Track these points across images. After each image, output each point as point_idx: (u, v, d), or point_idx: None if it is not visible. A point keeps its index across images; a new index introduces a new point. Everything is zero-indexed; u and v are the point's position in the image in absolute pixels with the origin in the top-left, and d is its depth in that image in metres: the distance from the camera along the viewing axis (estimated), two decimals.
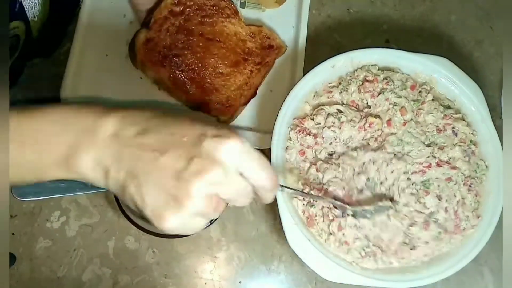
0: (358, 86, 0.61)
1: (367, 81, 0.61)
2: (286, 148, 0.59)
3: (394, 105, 0.60)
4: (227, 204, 0.41)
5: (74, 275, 0.61)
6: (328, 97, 0.62)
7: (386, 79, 0.61)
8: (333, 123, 0.59)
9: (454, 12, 0.77)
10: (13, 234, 0.61)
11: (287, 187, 0.52)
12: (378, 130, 0.59)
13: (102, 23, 0.70)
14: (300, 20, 0.71)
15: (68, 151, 0.37)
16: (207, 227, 0.57)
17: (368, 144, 0.59)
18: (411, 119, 0.60)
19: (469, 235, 0.58)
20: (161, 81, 0.65)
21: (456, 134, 0.61)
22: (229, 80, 0.66)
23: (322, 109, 0.60)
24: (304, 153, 0.59)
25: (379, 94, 0.61)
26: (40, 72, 0.68)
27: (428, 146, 0.59)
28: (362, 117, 0.60)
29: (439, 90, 0.63)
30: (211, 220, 0.57)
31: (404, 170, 0.58)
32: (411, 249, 0.56)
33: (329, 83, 0.63)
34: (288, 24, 0.72)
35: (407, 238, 0.56)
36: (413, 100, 0.61)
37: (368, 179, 0.58)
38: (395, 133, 0.59)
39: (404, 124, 0.60)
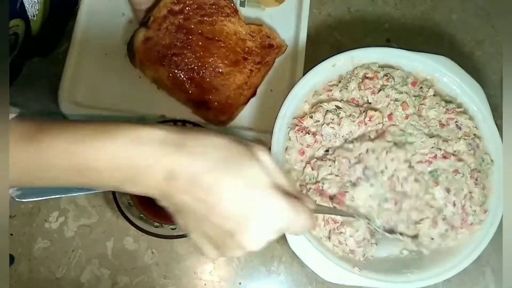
0: (358, 84, 0.61)
1: (367, 78, 0.61)
2: (286, 148, 0.59)
3: (395, 101, 0.60)
4: None
5: (72, 275, 0.60)
6: (328, 96, 0.62)
7: (387, 75, 0.61)
8: (332, 119, 0.59)
9: (455, 11, 0.77)
10: (11, 234, 0.61)
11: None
12: (379, 123, 0.59)
13: (100, 22, 0.69)
14: (300, 19, 0.71)
15: (117, 185, 0.38)
16: None
17: (369, 136, 0.59)
18: (414, 113, 0.60)
19: (473, 233, 0.58)
20: (160, 80, 0.65)
21: (460, 128, 0.60)
22: (228, 80, 0.66)
23: (320, 106, 0.60)
24: (303, 152, 0.58)
25: (379, 90, 0.60)
26: (38, 71, 0.67)
27: (431, 137, 0.58)
28: (362, 111, 0.59)
29: (440, 89, 0.63)
30: None
31: (405, 158, 0.57)
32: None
33: (329, 82, 0.62)
34: (288, 23, 0.72)
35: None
36: (415, 96, 0.61)
37: (366, 167, 0.57)
38: (396, 125, 0.59)
39: (406, 117, 0.59)
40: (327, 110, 0.59)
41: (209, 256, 0.40)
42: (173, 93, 0.65)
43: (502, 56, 0.74)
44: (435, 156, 0.57)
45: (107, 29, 0.69)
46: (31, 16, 0.58)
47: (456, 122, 0.60)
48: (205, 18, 0.66)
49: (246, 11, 0.72)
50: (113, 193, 0.55)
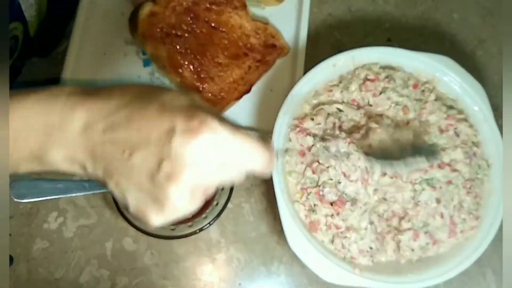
0: (359, 85, 0.61)
1: (368, 80, 0.61)
2: (286, 149, 0.58)
3: (396, 104, 0.60)
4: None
5: (71, 276, 0.60)
6: (328, 96, 0.61)
7: (388, 77, 0.61)
8: (333, 123, 0.58)
9: (456, 10, 0.77)
10: (10, 235, 0.61)
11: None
12: None
13: (99, 22, 0.69)
14: (300, 18, 0.70)
15: (38, 149, 0.35)
16: (206, 227, 0.56)
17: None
18: (415, 118, 0.60)
19: (471, 236, 0.58)
20: (158, 59, 0.64)
21: (458, 135, 0.60)
22: (225, 72, 0.65)
23: (321, 108, 0.60)
24: (304, 154, 0.58)
25: (380, 93, 0.60)
26: (38, 72, 0.67)
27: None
28: (363, 115, 0.59)
29: (441, 89, 0.63)
30: (210, 221, 0.56)
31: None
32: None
33: (330, 82, 0.62)
34: (289, 22, 0.71)
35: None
36: (416, 99, 0.61)
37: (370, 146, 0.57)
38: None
39: (407, 123, 0.59)
40: (328, 113, 0.59)
41: (157, 216, 0.35)
42: (169, 74, 0.65)
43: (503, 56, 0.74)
44: (432, 166, 0.57)
45: (106, 28, 0.69)
46: (29, 18, 0.58)
47: (455, 129, 0.60)
48: (213, 7, 0.66)
49: None
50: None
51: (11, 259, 0.60)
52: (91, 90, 0.36)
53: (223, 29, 0.66)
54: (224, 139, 0.34)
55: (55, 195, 0.60)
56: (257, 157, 0.36)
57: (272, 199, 0.56)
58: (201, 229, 0.56)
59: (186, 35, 0.65)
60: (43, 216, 0.62)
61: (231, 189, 0.57)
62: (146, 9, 0.64)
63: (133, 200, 0.35)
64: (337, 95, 0.61)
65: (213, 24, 0.66)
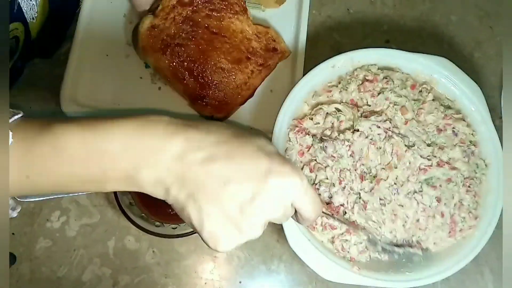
0: (358, 86, 0.61)
1: (367, 80, 0.61)
2: (286, 149, 0.59)
3: (394, 104, 0.60)
4: None
5: (74, 275, 0.61)
6: (327, 97, 0.62)
7: (386, 78, 0.62)
8: (332, 123, 0.59)
9: (454, 12, 0.77)
10: (13, 234, 0.61)
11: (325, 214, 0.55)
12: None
13: (101, 23, 0.70)
14: (300, 20, 0.71)
15: (132, 169, 0.38)
16: None
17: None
18: (413, 118, 0.60)
19: (469, 235, 0.58)
20: (160, 70, 0.64)
21: (456, 135, 0.61)
22: (228, 77, 0.65)
23: (320, 108, 0.60)
24: (303, 153, 0.59)
25: (379, 93, 0.61)
26: (40, 72, 0.68)
27: (429, 145, 0.59)
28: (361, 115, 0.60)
29: (439, 89, 0.63)
30: None
31: (406, 145, 0.58)
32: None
33: (329, 83, 0.63)
34: (288, 24, 0.72)
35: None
36: (414, 100, 0.61)
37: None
38: (398, 132, 0.60)
39: (406, 123, 0.60)
40: (327, 113, 0.60)
41: (229, 241, 0.40)
42: (172, 84, 0.65)
43: (502, 57, 0.75)
44: (430, 165, 0.58)
45: (108, 30, 0.70)
46: (30, 19, 0.58)
47: (453, 128, 0.61)
48: (213, 13, 0.66)
49: None
50: (115, 192, 0.55)
51: (14, 258, 0.61)
52: (189, 122, 0.40)
53: (225, 34, 0.66)
54: (306, 188, 0.41)
55: (57, 194, 0.61)
56: (314, 212, 0.43)
57: None
58: None
59: (187, 43, 0.64)
60: (46, 215, 0.62)
61: None
62: (146, 22, 0.64)
63: (212, 225, 0.39)
64: (336, 95, 0.62)
65: (214, 30, 0.66)
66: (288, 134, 0.59)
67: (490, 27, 0.77)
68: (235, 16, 0.67)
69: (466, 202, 0.59)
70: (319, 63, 0.61)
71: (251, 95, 0.67)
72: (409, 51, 0.63)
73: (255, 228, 0.39)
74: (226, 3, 0.66)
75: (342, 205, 0.57)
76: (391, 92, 0.60)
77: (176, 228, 0.58)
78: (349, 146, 0.58)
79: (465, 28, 0.77)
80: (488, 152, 0.61)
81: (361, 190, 0.57)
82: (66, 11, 0.69)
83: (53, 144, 0.37)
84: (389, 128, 0.59)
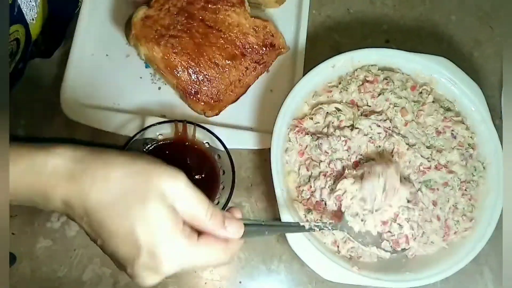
0: (358, 86, 0.62)
1: (367, 81, 0.61)
2: (286, 149, 0.59)
3: (394, 106, 0.60)
4: None
5: (74, 274, 0.61)
6: (327, 97, 0.62)
7: (386, 79, 0.62)
8: (332, 122, 0.59)
9: (454, 12, 0.77)
10: (13, 233, 0.61)
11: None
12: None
13: (101, 23, 0.70)
14: (300, 20, 0.71)
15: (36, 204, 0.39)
16: None
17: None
18: (412, 120, 0.60)
19: (468, 235, 0.58)
20: (153, 60, 0.64)
21: (455, 137, 0.61)
22: (223, 74, 0.65)
23: (320, 108, 0.60)
24: (303, 153, 0.59)
25: (379, 94, 0.61)
26: (40, 72, 0.68)
27: (428, 147, 0.59)
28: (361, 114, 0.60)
29: (439, 90, 0.63)
30: None
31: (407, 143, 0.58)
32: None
33: (329, 83, 0.63)
34: (288, 24, 0.72)
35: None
36: (414, 101, 0.62)
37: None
38: (398, 133, 0.60)
39: (406, 124, 0.60)
40: (327, 112, 0.60)
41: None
42: (165, 77, 0.65)
43: (502, 56, 0.75)
44: (429, 168, 0.58)
45: (108, 30, 0.70)
46: (30, 19, 0.58)
47: (452, 131, 0.61)
48: (209, 5, 0.65)
49: None
50: None
51: (14, 258, 0.61)
52: (80, 167, 0.38)
53: (220, 28, 0.65)
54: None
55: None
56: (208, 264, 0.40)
57: (272, 198, 0.57)
58: None
59: (181, 35, 0.63)
60: (46, 215, 0.62)
61: (232, 188, 0.58)
62: (140, 12, 0.63)
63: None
64: (336, 95, 0.62)
65: (209, 24, 0.64)
66: (288, 134, 0.59)
67: (489, 26, 0.77)
68: (232, 9, 0.65)
69: (461, 205, 0.59)
70: (319, 63, 0.61)
71: (244, 93, 0.66)
72: (409, 51, 0.63)
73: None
74: None
75: (323, 200, 0.56)
76: (391, 93, 0.61)
77: None
78: (345, 142, 0.58)
79: (464, 28, 0.77)
80: (488, 152, 0.61)
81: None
82: (65, 11, 0.69)
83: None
84: (389, 127, 0.59)
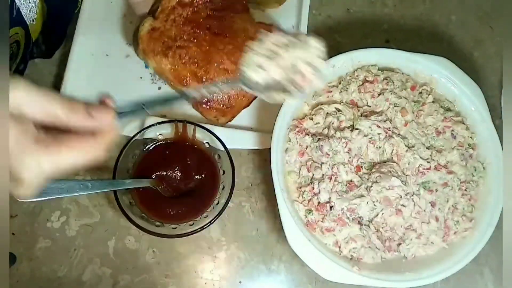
0: (358, 86, 0.62)
1: (367, 81, 0.61)
2: (286, 149, 0.59)
3: (394, 106, 0.60)
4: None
5: (74, 275, 0.61)
6: (327, 97, 0.62)
7: (386, 79, 0.62)
8: (332, 123, 0.59)
9: (454, 12, 0.77)
10: (13, 234, 0.62)
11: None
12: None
13: (101, 23, 0.70)
14: (300, 20, 0.71)
15: None
16: (207, 226, 0.57)
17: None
18: (412, 120, 0.60)
19: (468, 235, 0.58)
20: (162, 73, 0.64)
21: (455, 137, 0.61)
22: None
23: (320, 108, 0.60)
24: (303, 154, 0.59)
25: (379, 94, 0.61)
26: (41, 73, 0.68)
27: (428, 148, 0.59)
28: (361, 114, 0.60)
29: (439, 90, 0.64)
30: (211, 219, 0.57)
31: (406, 145, 0.58)
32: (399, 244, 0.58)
33: (329, 83, 0.63)
34: (288, 24, 0.72)
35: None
36: (414, 101, 0.62)
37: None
38: (398, 133, 0.60)
39: (406, 124, 0.60)
40: (327, 113, 0.60)
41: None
42: (174, 87, 0.65)
43: (502, 56, 0.75)
44: (429, 168, 0.58)
45: (108, 30, 0.70)
46: (30, 21, 0.58)
47: (452, 131, 0.61)
48: (214, 13, 0.65)
49: None
50: (115, 192, 0.56)
51: (14, 258, 0.61)
52: None
53: (227, 35, 0.64)
54: None
55: (58, 195, 0.61)
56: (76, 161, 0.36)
57: (272, 198, 0.57)
58: (202, 228, 0.57)
59: (188, 45, 0.63)
60: (46, 215, 0.63)
61: (232, 188, 0.58)
62: (146, 25, 0.63)
63: None
64: (336, 95, 0.62)
65: (215, 31, 0.64)
66: (288, 135, 0.59)
67: (489, 26, 0.77)
68: (238, 15, 0.65)
69: (461, 205, 0.59)
70: None
71: (256, 97, 0.66)
72: (409, 51, 0.63)
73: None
74: (227, 2, 0.66)
75: (328, 201, 0.57)
76: (391, 93, 0.61)
77: (176, 228, 0.59)
78: (346, 143, 0.58)
79: (464, 28, 0.77)
80: (488, 152, 0.61)
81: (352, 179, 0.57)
82: (65, 11, 0.69)
83: None
84: (389, 128, 0.59)
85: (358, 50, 0.62)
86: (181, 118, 0.62)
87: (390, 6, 0.77)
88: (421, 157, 0.58)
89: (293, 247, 0.55)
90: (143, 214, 0.59)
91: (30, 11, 0.58)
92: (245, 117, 0.67)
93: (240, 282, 0.62)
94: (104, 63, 0.68)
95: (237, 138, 0.64)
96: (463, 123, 0.62)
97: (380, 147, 0.58)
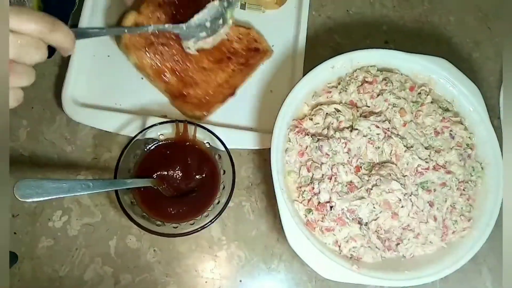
0: (357, 87, 0.62)
1: (366, 82, 0.62)
2: (286, 149, 0.59)
3: (393, 106, 0.61)
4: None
5: (76, 274, 0.61)
6: (327, 97, 0.63)
7: (385, 80, 0.62)
8: (331, 123, 0.60)
9: (453, 13, 0.78)
10: (15, 233, 0.62)
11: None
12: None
13: (102, 24, 0.70)
14: (300, 21, 0.72)
15: None
16: (207, 225, 0.57)
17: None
18: (411, 120, 0.61)
19: (466, 235, 0.59)
20: (142, 67, 0.66)
21: (453, 137, 0.61)
22: (210, 76, 0.67)
23: (320, 109, 0.61)
24: (303, 154, 0.59)
25: (378, 95, 0.61)
26: (42, 72, 0.68)
27: (426, 148, 0.60)
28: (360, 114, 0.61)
29: (438, 91, 0.64)
30: (212, 219, 0.57)
31: (405, 145, 0.59)
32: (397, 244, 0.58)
33: (329, 84, 0.63)
34: (288, 25, 0.73)
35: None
36: (412, 102, 0.62)
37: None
38: (397, 134, 0.60)
39: (404, 125, 0.60)
40: (326, 113, 0.60)
41: None
42: (154, 82, 0.66)
43: (501, 57, 0.75)
44: (427, 168, 0.59)
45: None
46: None
47: (451, 131, 0.61)
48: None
49: (247, 14, 0.73)
50: (116, 192, 0.56)
51: (16, 257, 0.61)
52: None
53: None
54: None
55: (59, 194, 0.61)
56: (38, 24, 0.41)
57: (272, 198, 0.57)
58: (202, 227, 0.57)
59: (170, 42, 0.65)
60: (48, 214, 0.63)
61: (232, 188, 0.58)
62: (130, 18, 0.64)
63: None
64: (335, 96, 0.62)
65: None
66: (288, 135, 0.60)
67: (488, 27, 0.78)
68: None
69: (459, 205, 0.59)
70: (319, 64, 0.62)
71: (232, 94, 0.67)
72: (408, 52, 0.64)
73: None
74: (210, 1, 0.66)
75: (328, 201, 0.57)
76: (390, 94, 0.61)
77: (177, 227, 0.59)
78: (345, 144, 0.58)
79: (463, 29, 0.77)
80: (487, 152, 0.61)
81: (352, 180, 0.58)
82: (62, 11, 0.69)
83: None
84: (388, 128, 0.59)
85: (357, 51, 0.63)
86: (182, 119, 0.62)
87: (389, 7, 0.77)
88: (419, 157, 0.59)
89: (293, 246, 0.55)
90: (144, 214, 0.59)
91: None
92: (245, 117, 0.68)
93: (240, 281, 0.63)
94: (106, 64, 0.69)
95: (237, 138, 0.65)
96: (462, 124, 0.62)
97: (379, 147, 0.59)
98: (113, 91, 0.67)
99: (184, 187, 0.61)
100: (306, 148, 0.59)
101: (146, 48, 0.65)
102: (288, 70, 0.70)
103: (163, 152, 0.62)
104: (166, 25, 0.62)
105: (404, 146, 0.59)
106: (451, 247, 0.59)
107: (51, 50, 0.68)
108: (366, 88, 0.61)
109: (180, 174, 0.61)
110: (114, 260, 0.62)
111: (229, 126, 0.66)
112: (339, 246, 0.57)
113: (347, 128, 0.59)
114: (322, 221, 0.57)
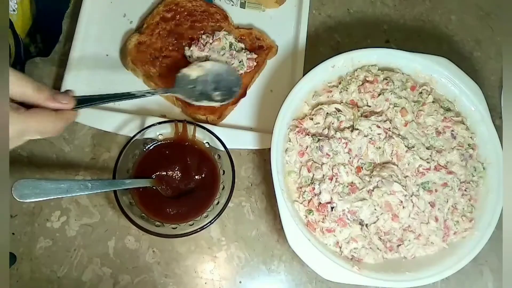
0: (358, 87, 0.62)
1: (367, 81, 0.61)
2: (286, 149, 0.59)
3: (394, 106, 0.60)
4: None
5: (74, 275, 0.61)
6: (328, 97, 0.62)
7: (386, 79, 0.62)
8: (332, 123, 0.59)
9: (454, 12, 0.78)
10: (13, 234, 0.62)
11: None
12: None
13: (102, 23, 0.70)
14: (300, 20, 0.71)
15: None
16: (207, 226, 0.57)
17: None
18: (412, 120, 0.60)
19: (468, 235, 0.58)
20: (151, 80, 0.66)
21: (454, 137, 0.61)
22: None
23: (321, 108, 0.60)
24: (303, 154, 0.59)
25: (379, 94, 0.61)
26: (40, 72, 0.68)
27: (428, 148, 0.59)
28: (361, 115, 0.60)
29: (439, 90, 0.64)
30: (211, 219, 0.57)
31: (406, 146, 0.59)
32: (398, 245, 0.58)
33: (329, 83, 0.63)
34: (288, 24, 0.72)
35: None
36: (414, 101, 0.62)
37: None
38: (398, 134, 0.60)
39: (406, 125, 0.60)
40: (327, 113, 0.60)
41: None
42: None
43: (502, 56, 0.75)
44: (428, 169, 0.58)
45: (108, 30, 0.70)
46: (11, 11, 0.58)
47: (452, 131, 0.61)
48: (196, 24, 0.69)
49: (247, 12, 0.72)
50: (115, 192, 0.56)
51: (14, 257, 0.61)
52: None
53: None
54: None
55: (58, 195, 0.60)
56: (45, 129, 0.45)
57: (272, 198, 0.57)
58: (202, 228, 0.57)
59: (173, 54, 0.67)
60: (46, 215, 0.63)
61: (232, 188, 0.58)
62: (133, 40, 0.67)
63: None
64: (336, 95, 0.62)
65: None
66: (288, 135, 0.59)
67: (489, 26, 0.77)
68: (217, 24, 0.69)
69: (461, 206, 0.59)
70: (319, 63, 0.61)
71: (243, 95, 0.67)
72: (409, 51, 0.63)
73: None
74: (207, 13, 0.70)
75: (329, 202, 0.57)
76: (391, 93, 0.61)
77: (176, 228, 0.59)
78: (346, 144, 0.58)
79: (464, 28, 0.77)
80: (488, 152, 0.61)
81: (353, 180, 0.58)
82: (56, 10, 0.68)
83: None
84: (389, 128, 0.59)
85: (358, 50, 0.63)
86: (181, 118, 0.62)
87: (390, 6, 0.77)
88: (421, 158, 0.58)
89: (293, 247, 0.55)
90: (143, 214, 0.59)
91: (12, 10, 0.58)
92: (245, 117, 0.68)
93: (240, 282, 0.62)
94: (104, 63, 0.68)
95: (237, 138, 0.65)
96: (463, 123, 0.62)
97: (380, 148, 0.58)
98: (111, 90, 0.66)
99: (183, 188, 0.61)
100: (307, 148, 0.59)
101: (152, 62, 0.67)
102: (288, 70, 0.70)
103: (162, 152, 0.62)
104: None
105: (405, 146, 0.58)
106: (452, 247, 0.58)
107: (47, 48, 0.69)
108: (367, 88, 0.61)
109: (179, 174, 0.61)
110: (113, 260, 0.62)
111: (229, 126, 0.66)
112: (340, 247, 0.57)
113: (348, 128, 0.59)
114: (322, 222, 0.56)
